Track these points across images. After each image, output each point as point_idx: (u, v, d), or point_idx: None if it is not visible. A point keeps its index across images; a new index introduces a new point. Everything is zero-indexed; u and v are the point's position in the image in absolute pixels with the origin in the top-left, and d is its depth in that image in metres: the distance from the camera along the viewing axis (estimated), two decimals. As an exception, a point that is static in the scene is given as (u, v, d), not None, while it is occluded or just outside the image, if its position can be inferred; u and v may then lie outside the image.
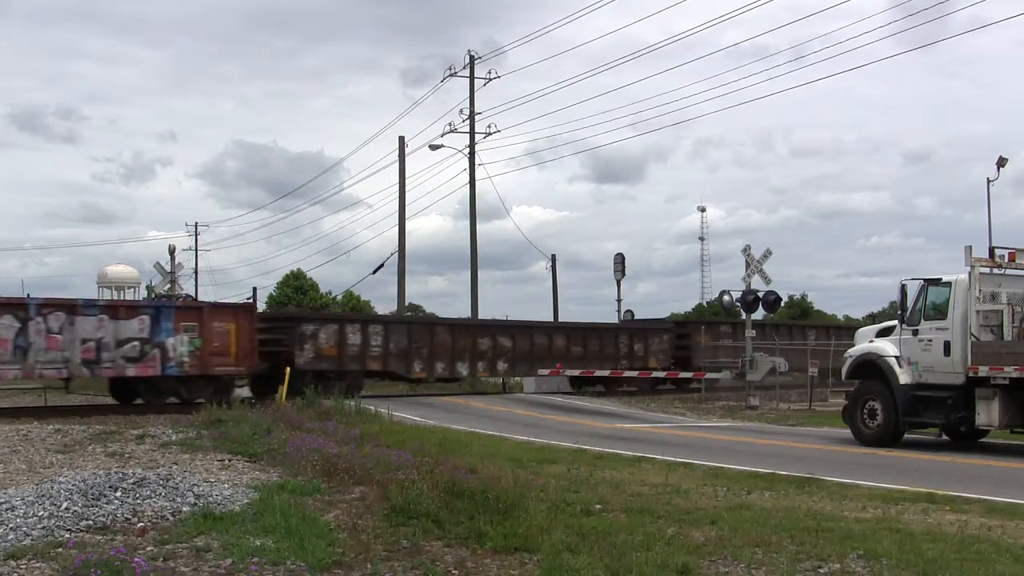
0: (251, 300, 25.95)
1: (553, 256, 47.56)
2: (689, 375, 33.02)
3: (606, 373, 31.96)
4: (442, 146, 40.27)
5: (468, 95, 39.46)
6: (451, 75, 39.78)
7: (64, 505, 8.07)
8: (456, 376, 30.52)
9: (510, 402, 27.13)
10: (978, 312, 15.78)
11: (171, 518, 8.07)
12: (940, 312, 16.31)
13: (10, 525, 7.50)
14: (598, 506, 9.11)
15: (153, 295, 49.26)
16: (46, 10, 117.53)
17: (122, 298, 48.22)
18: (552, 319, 41.12)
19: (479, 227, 39.92)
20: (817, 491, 10.67)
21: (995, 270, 16.46)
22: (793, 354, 32.00)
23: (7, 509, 7.97)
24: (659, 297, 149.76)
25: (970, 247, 15.91)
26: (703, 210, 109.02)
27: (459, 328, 30.82)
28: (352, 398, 23.50)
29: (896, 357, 16.70)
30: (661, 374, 33.05)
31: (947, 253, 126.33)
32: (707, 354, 34.61)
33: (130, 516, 8.01)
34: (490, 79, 39.64)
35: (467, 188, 39.67)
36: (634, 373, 32.52)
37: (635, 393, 31.88)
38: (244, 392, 26.07)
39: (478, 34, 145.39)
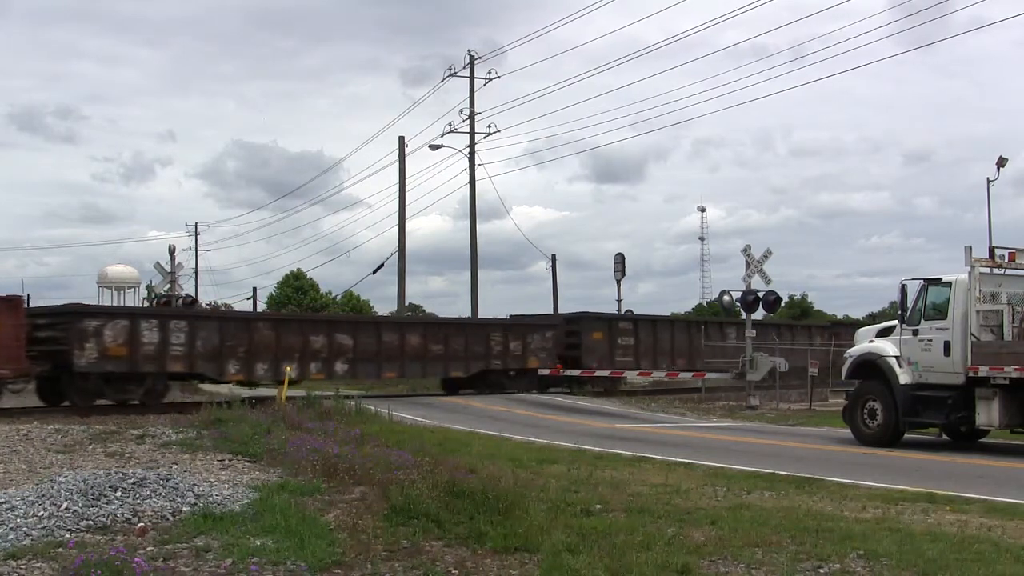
0: (17, 296, 22.86)
1: (553, 256, 47.60)
2: (576, 373, 31.64)
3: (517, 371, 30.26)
4: (442, 146, 40.34)
5: (468, 95, 39.52)
6: (451, 75, 39.83)
7: (64, 505, 8.07)
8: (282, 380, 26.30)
9: (510, 402, 27.11)
10: (978, 312, 15.78)
11: (171, 518, 8.07)
12: (940, 312, 16.31)
13: (10, 525, 7.50)
14: (598, 506, 9.11)
15: (153, 295, 49.28)
16: (46, 10, 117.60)
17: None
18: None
19: (479, 227, 40.00)
20: (817, 491, 10.67)
21: (995, 270, 16.46)
22: (793, 354, 32.02)
23: (7, 509, 7.97)
24: (659, 297, 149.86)
25: (970, 247, 15.91)
26: (703, 210, 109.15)
27: (286, 324, 27.87)
28: (153, 404, 22.63)
29: (896, 357, 16.70)
30: (546, 371, 31.30)
31: (947, 253, 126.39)
32: (600, 351, 32.56)
33: (130, 516, 8.01)
34: (490, 79, 39.70)
35: (467, 188, 39.73)
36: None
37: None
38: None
39: (478, 34, 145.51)
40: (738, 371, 29.48)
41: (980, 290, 15.85)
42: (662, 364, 34.10)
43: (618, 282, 40.88)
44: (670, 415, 24.99)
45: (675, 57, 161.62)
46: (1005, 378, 15.10)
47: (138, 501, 8.44)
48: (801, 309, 65.73)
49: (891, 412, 16.48)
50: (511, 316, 34.83)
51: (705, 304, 77.09)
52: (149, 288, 53.05)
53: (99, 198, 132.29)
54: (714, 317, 43.63)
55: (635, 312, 39.10)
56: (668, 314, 47.45)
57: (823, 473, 12.12)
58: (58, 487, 8.63)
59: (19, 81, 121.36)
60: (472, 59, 39.67)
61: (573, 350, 32.52)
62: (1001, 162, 18.69)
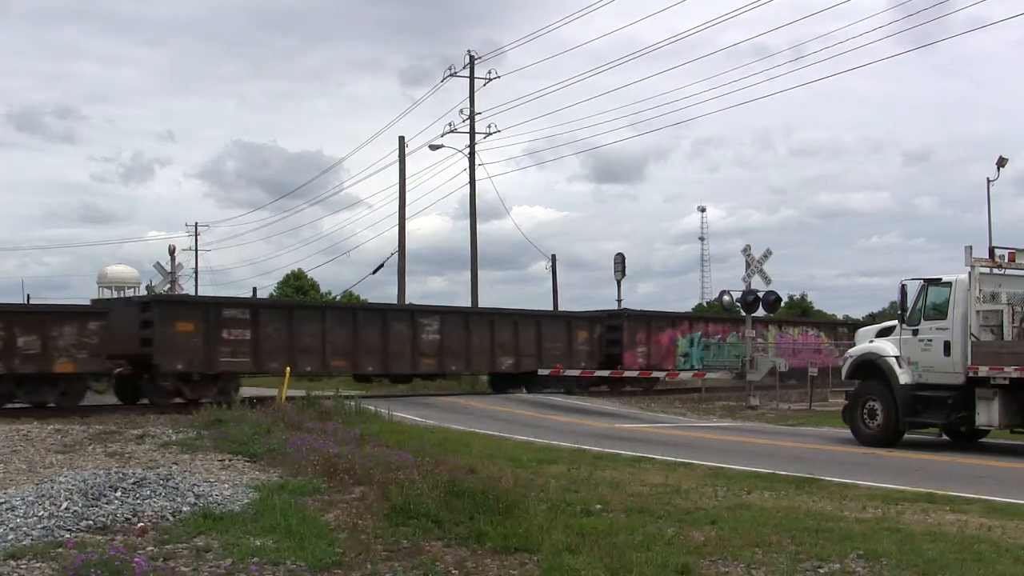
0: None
1: (553, 256, 47.56)
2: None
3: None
4: (442, 146, 40.32)
5: (468, 95, 39.51)
6: (451, 75, 39.81)
7: (64, 505, 8.07)
8: None
9: (510, 402, 27.11)
10: (978, 312, 15.78)
11: (171, 518, 8.06)
12: (940, 312, 16.31)
13: (10, 525, 7.50)
14: (598, 506, 9.11)
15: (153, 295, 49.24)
16: (46, 10, 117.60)
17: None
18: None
19: (479, 227, 39.96)
20: (817, 491, 10.67)
21: (995, 270, 16.47)
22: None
23: (7, 509, 7.97)
24: (659, 297, 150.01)
25: (970, 247, 15.92)
26: (703, 210, 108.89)
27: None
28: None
29: (896, 357, 16.70)
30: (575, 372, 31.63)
31: (947, 253, 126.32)
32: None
33: (130, 516, 8.00)
34: (490, 79, 39.68)
35: (467, 188, 39.70)
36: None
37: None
38: None
39: (478, 34, 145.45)
40: (738, 371, 29.54)
41: (980, 290, 15.85)
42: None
43: (618, 282, 40.83)
44: (670, 415, 25.00)
45: (675, 57, 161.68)
46: (1005, 378, 15.10)
47: (138, 501, 8.44)
48: (801, 309, 65.70)
49: (891, 412, 16.49)
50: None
51: (705, 304, 77.05)
52: (149, 288, 53.07)
53: (99, 198, 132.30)
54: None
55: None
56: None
57: (823, 473, 12.12)
58: (58, 487, 8.62)
59: (19, 81, 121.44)
60: (472, 59, 39.68)
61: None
62: (1001, 162, 18.68)
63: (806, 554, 7.22)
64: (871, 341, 17.74)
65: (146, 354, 23.34)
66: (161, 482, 9.13)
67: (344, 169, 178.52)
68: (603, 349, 32.08)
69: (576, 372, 30.94)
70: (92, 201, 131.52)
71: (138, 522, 7.86)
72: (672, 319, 35.55)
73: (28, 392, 21.82)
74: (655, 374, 33.35)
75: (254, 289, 38.36)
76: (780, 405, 27.74)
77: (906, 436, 16.75)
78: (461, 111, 39.73)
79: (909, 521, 8.83)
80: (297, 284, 58.91)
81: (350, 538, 7.44)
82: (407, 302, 37.68)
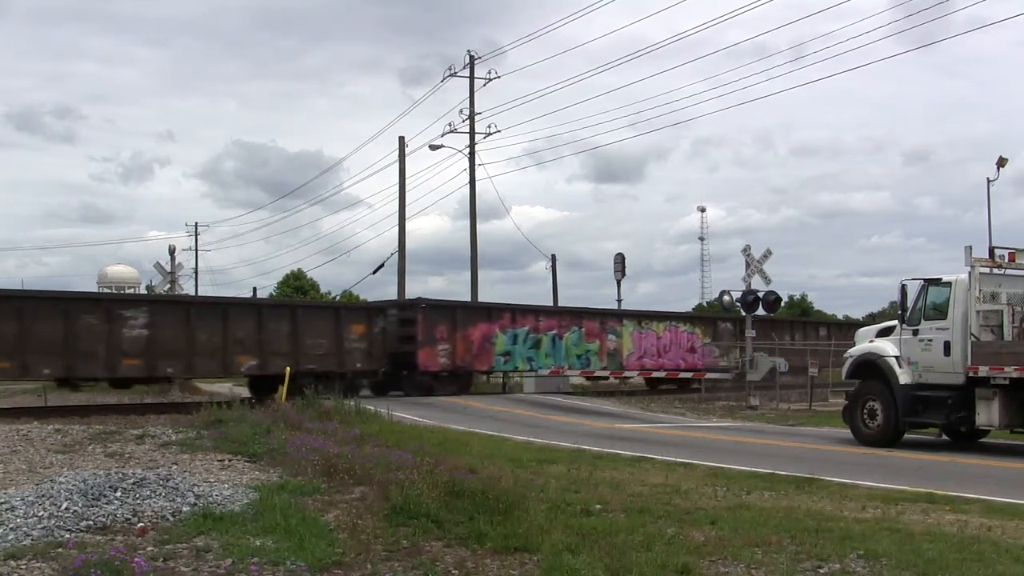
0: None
1: (553, 256, 47.57)
2: None
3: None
4: (442, 146, 40.30)
5: (468, 95, 39.50)
6: (451, 75, 39.82)
7: (64, 505, 8.06)
8: None
9: (510, 402, 27.12)
10: (978, 312, 15.78)
11: (171, 518, 8.06)
12: (940, 312, 16.31)
13: (10, 525, 7.49)
14: (598, 506, 9.11)
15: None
16: (46, 10, 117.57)
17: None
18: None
19: (479, 227, 39.93)
20: (817, 491, 10.66)
21: (995, 270, 16.47)
22: (793, 353, 32.06)
23: (7, 509, 7.97)
24: (659, 297, 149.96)
25: (970, 247, 15.92)
26: (703, 210, 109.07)
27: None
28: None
29: (896, 357, 16.70)
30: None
31: (947, 253, 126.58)
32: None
33: (130, 516, 8.00)
34: (490, 79, 39.68)
35: (467, 188, 39.67)
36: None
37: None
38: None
39: (478, 34, 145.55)
40: (738, 371, 29.53)
41: (980, 290, 15.85)
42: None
43: (618, 282, 40.86)
44: (670, 415, 24.99)
45: (675, 57, 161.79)
46: (1005, 378, 15.10)
47: (138, 501, 8.43)
48: (801, 309, 65.75)
49: (891, 412, 16.49)
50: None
51: (705, 304, 77.07)
52: (149, 288, 53.09)
53: (98, 198, 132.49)
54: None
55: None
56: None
57: (823, 473, 12.12)
58: (58, 487, 8.62)
59: (19, 81, 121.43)
60: (472, 59, 39.68)
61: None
62: (1001, 162, 18.67)
63: (806, 554, 7.22)
64: (871, 341, 17.74)
65: None
66: (161, 482, 9.12)
67: (344, 169, 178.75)
68: (386, 346, 27.42)
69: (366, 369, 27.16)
70: (92, 201, 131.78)
71: (138, 522, 7.86)
72: (489, 311, 30.92)
73: None
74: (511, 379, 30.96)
75: (254, 289, 38.49)
76: (780, 405, 27.73)
77: (906, 436, 16.75)
78: (461, 111, 39.78)
79: (909, 521, 8.83)
80: (297, 284, 58.95)
81: (350, 538, 7.43)
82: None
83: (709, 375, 34.93)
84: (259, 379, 26.03)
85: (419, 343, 28.04)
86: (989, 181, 18.77)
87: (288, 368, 24.13)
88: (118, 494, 8.54)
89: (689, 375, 34.65)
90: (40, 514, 7.81)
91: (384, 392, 28.05)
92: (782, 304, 31.96)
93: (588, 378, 34.31)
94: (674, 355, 34.76)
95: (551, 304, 40.75)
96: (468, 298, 38.22)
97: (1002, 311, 16.06)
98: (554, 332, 31.54)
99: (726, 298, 28.86)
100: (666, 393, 33.15)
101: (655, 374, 34.41)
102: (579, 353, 32.14)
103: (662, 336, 34.59)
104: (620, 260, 41.08)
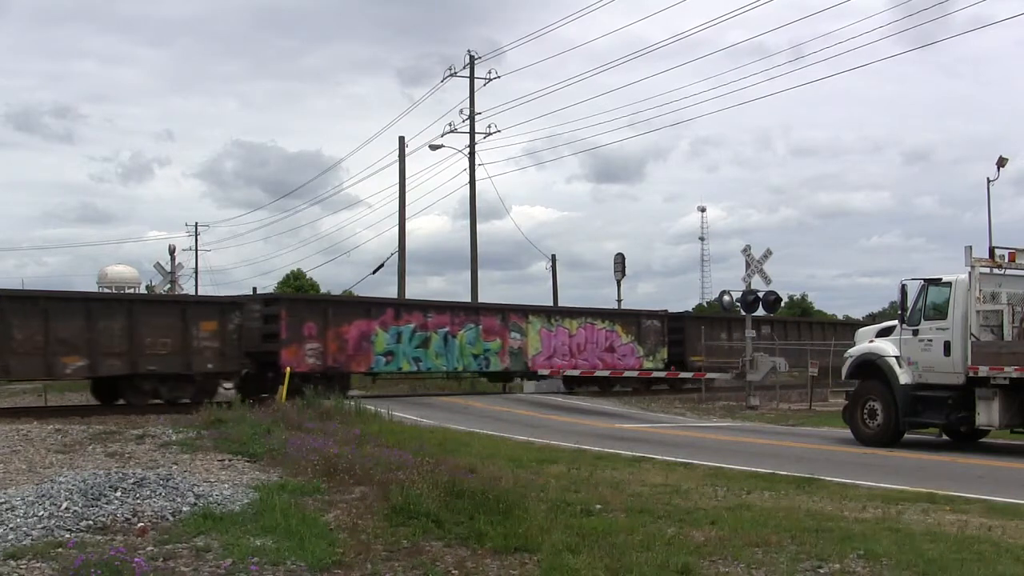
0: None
1: (553, 256, 47.61)
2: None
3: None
4: (442, 146, 40.35)
5: (468, 95, 39.52)
6: (451, 75, 39.87)
7: (64, 505, 8.06)
8: None
9: (510, 402, 27.13)
10: (978, 312, 15.78)
11: (171, 518, 8.06)
12: (940, 312, 16.31)
13: (10, 525, 7.49)
14: (598, 506, 9.11)
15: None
16: (47, 9, 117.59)
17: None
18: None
19: (479, 227, 39.94)
20: (817, 491, 10.66)
21: (995, 270, 16.46)
22: (793, 352, 32.06)
23: (7, 509, 7.97)
24: (659, 297, 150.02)
25: (970, 247, 15.92)
26: (703, 210, 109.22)
27: None
28: None
29: (896, 357, 16.70)
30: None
31: (947, 253, 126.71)
32: None
33: (130, 516, 8.00)
34: (490, 79, 39.74)
35: (467, 188, 39.73)
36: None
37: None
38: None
39: (478, 34, 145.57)
40: (738, 371, 29.50)
41: (980, 290, 15.85)
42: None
43: (618, 282, 40.88)
44: (670, 415, 25.00)
45: (675, 57, 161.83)
46: (1005, 378, 15.10)
47: (138, 501, 8.43)
48: (801, 309, 65.74)
49: (891, 412, 16.49)
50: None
51: (705, 304, 77.09)
52: (149, 288, 53.09)
53: (97, 198, 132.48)
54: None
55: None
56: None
57: (823, 473, 12.12)
58: (58, 487, 8.62)
59: (19, 81, 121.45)
60: (472, 59, 39.71)
61: None
62: (1001, 162, 18.67)
63: (806, 554, 7.22)
64: (871, 341, 17.74)
65: None
66: (161, 482, 9.12)
67: (344, 169, 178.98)
68: (244, 344, 24.60)
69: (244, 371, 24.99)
70: (91, 201, 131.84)
71: (138, 522, 7.86)
72: (368, 307, 28.38)
73: None
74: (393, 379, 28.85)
75: (254, 289, 38.42)
76: (780, 405, 27.73)
77: (906, 436, 16.75)
78: (461, 111, 39.85)
79: (909, 521, 8.83)
80: (297, 284, 58.86)
81: (350, 538, 7.43)
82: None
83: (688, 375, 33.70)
84: (104, 382, 23.81)
85: (283, 341, 25.51)
86: (989, 181, 18.78)
87: (288, 369, 24.14)
88: (118, 494, 8.54)
89: (606, 374, 32.43)
90: (40, 514, 7.81)
91: (251, 396, 24.75)
92: (782, 304, 31.87)
93: (491, 380, 32.57)
94: (590, 355, 32.46)
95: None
96: (468, 299, 38.12)
97: (1002, 311, 16.06)
98: (446, 329, 29.09)
99: (726, 298, 28.83)
100: (668, 393, 33.11)
101: (566, 373, 31.73)
102: (476, 353, 29.78)
103: (576, 334, 32.28)
104: (620, 260, 41.10)
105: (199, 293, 52.67)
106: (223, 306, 24.90)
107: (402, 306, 29.33)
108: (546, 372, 31.25)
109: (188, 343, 23.31)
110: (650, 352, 34.11)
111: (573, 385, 32.03)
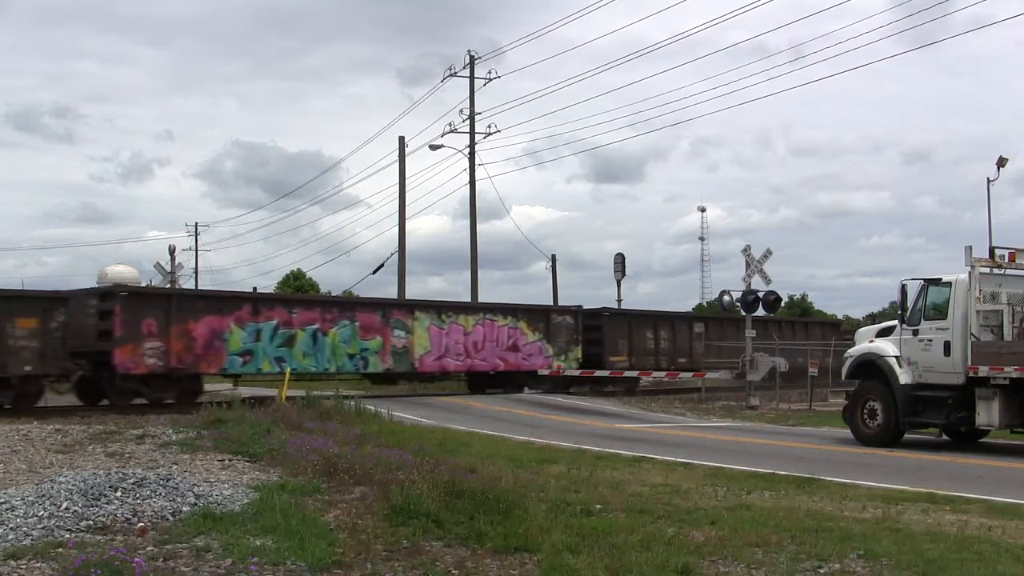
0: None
1: (553, 256, 47.58)
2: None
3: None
4: (442, 146, 40.32)
5: (468, 95, 39.52)
6: (451, 75, 39.85)
7: (64, 505, 8.06)
8: None
9: (510, 402, 27.12)
10: (978, 312, 15.78)
11: (171, 518, 8.06)
12: (940, 312, 16.31)
13: (10, 525, 7.49)
14: (598, 506, 9.11)
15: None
16: (47, 9, 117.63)
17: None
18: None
19: (479, 227, 39.91)
20: (817, 491, 10.67)
21: (995, 270, 16.47)
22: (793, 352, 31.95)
23: (7, 509, 7.97)
24: (659, 297, 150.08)
25: (970, 247, 15.92)
26: (703, 210, 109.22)
27: None
28: None
29: (896, 357, 16.70)
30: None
31: (947, 253, 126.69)
32: None
33: (130, 516, 8.00)
34: (490, 79, 39.71)
35: (467, 188, 39.70)
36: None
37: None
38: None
39: (478, 33, 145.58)
40: (738, 371, 29.48)
41: (980, 290, 15.85)
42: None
43: (618, 282, 40.84)
44: (670, 415, 25.01)
45: (675, 57, 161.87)
46: (1005, 378, 15.10)
47: (138, 501, 8.43)
48: (801, 309, 65.74)
49: (891, 412, 16.49)
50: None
51: (705, 304, 77.10)
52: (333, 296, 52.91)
53: (97, 198, 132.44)
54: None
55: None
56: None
57: (823, 473, 12.12)
58: (58, 487, 8.62)
59: (20, 81, 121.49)
60: (472, 59, 39.70)
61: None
62: (1001, 162, 18.68)
63: (806, 554, 7.22)
64: (871, 341, 17.74)
65: None
66: (161, 482, 9.12)
67: (344, 169, 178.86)
68: (70, 343, 22.19)
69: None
70: (91, 201, 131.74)
71: (138, 522, 7.86)
72: (220, 302, 25.60)
73: None
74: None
75: (254, 288, 38.43)
76: (780, 405, 27.73)
77: (906, 436, 16.75)
78: (461, 111, 39.82)
79: (909, 521, 8.83)
80: (297, 284, 58.91)
81: (350, 538, 7.44)
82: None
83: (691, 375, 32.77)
84: None
85: (117, 340, 22.83)
86: (989, 181, 18.79)
87: (288, 369, 24.13)
88: (118, 494, 8.54)
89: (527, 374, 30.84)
90: (40, 514, 7.81)
91: (90, 401, 23.97)
92: (782, 304, 31.85)
93: (373, 381, 30.45)
94: (489, 353, 29.88)
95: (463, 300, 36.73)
96: (468, 299, 37.72)
97: (1002, 311, 16.06)
98: (315, 327, 26.40)
99: (726, 298, 28.83)
100: (668, 393, 33.10)
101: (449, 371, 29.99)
102: (352, 352, 27.10)
103: (472, 331, 29.62)
104: (620, 260, 41.06)
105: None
106: (45, 301, 22.14)
107: (261, 301, 26.61)
108: (436, 373, 29.39)
109: (2, 342, 20.93)
110: (561, 352, 31.57)
111: (485, 387, 30.44)
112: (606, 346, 32.38)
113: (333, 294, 54.45)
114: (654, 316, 34.99)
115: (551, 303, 41.30)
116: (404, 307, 29.27)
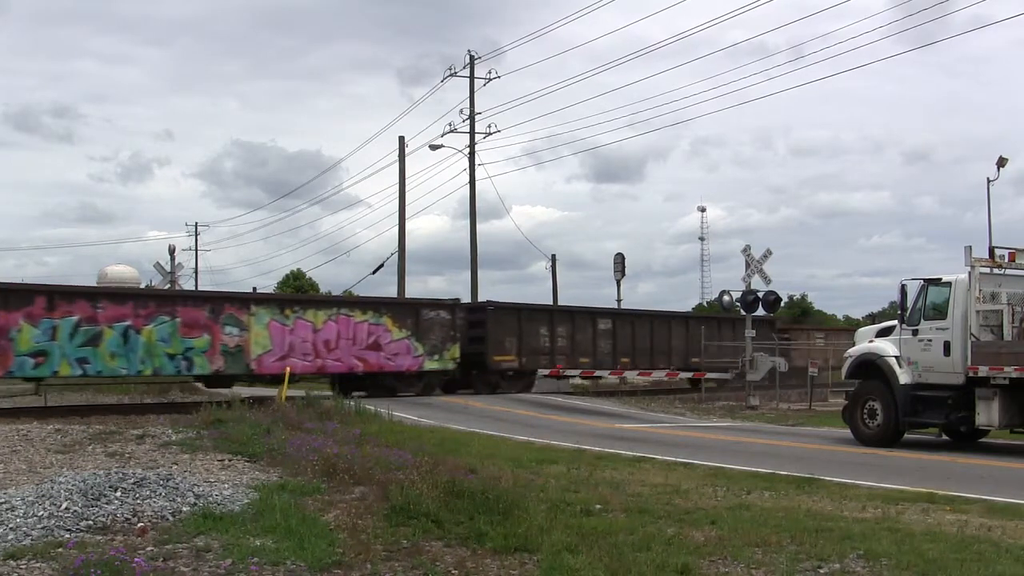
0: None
1: (553, 256, 47.56)
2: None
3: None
4: (442, 146, 40.33)
5: (468, 95, 39.52)
6: (451, 75, 39.86)
7: (64, 505, 8.06)
8: None
9: (510, 402, 27.10)
10: (978, 312, 15.78)
11: (171, 518, 8.06)
12: (940, 312, 16.32)
13: (10, 525, 7.49)
14: (598, 506, 9.11)
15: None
16: (47, 9, 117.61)
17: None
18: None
19: (479, 227, 39.89)
20: (817, 491, 10.66)
21: (995, 270, 16.47)
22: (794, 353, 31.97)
23: (7, 509, 7.97)
24: (659, 297, 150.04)
25: (970, 247, 15.92)
26: (703, 210, 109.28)
27: None
28: None
29: (896, 357, 16.70)
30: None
31: (947, 253, 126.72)
32: None
33: (130, 516, 8.00)
34: (490, 79, 39.73)
35: (467, 188, 39.71)
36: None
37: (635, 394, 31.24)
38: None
39: (478, 33, 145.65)
40: (738, 371, 29.51)
41: (980, 290, 15.85)
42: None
43: (618, 282, 40.85)
44: (670, 415, 25.00)
45: (675, 56, 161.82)
46: (1005, 378, 15.10)
47: (138, 501, 8.43)
48: (801, 309, 65.71)
49: (891, 412, 16.49)
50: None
51: (705, 304, 77.08)
52: (149, 288, 53.01)
53: (97, 198, 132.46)
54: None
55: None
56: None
57: (823, 473, 12.12)
58: (58, 487, 8.62)
59: (20, 80, 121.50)
60: (472, 59, 39.71)
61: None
62: (1001, 162, 18.67)
63: (806, 554, 7.22)
64: (871, 341, 17.74)
65: None
66: (161, 482, 9.12)
67: (344, 169, 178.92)
68: None
69: None
70: (91, 201, 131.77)
71: (138, 522, 7.86)
72: (6, 295, 22.05)
73: None
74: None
75: (254, 288, 38.48)
76: (780, 405, 27.73)
77: (906, 436, 16.75)
78: (461, 111, 39.84)
79: (909, 521, 8.83)
80: (297, 284, 58.91)
81: (350, 538, 7.43)
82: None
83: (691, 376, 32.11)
84: None
85: None
86: (989, 181, 18.77)
87: (288, 368, 24.14)
88: (118, 494, 8.54)
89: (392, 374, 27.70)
90: (40, 514, 7.81)
91: None
92: (782, 304, 31.86)
93: (209, 385, 27.54)
94: (344, 353, 26.51)
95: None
96: (468, 299, 36.56)
97: (1002, 311, 16.05)
98: (127, 323, 23.02)
99: (726, 298, 28.86)
100: (668, 393, 33.08)
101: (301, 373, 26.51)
102: (173, 352, 23.79)
103: (322, 328, 26.24)
104: (620, 260, 41.08)
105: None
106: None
107: (58, 294, 22.71)
108: (276, 374, 25.38)
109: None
110: (434, 351, 28.28)
111: (351, 390, 26.53)
112: (490, 344, 29.28)
113: (333, 294, 54.42)
114: (549, 310, 32.36)
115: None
116: (239, 301, 25.70)
